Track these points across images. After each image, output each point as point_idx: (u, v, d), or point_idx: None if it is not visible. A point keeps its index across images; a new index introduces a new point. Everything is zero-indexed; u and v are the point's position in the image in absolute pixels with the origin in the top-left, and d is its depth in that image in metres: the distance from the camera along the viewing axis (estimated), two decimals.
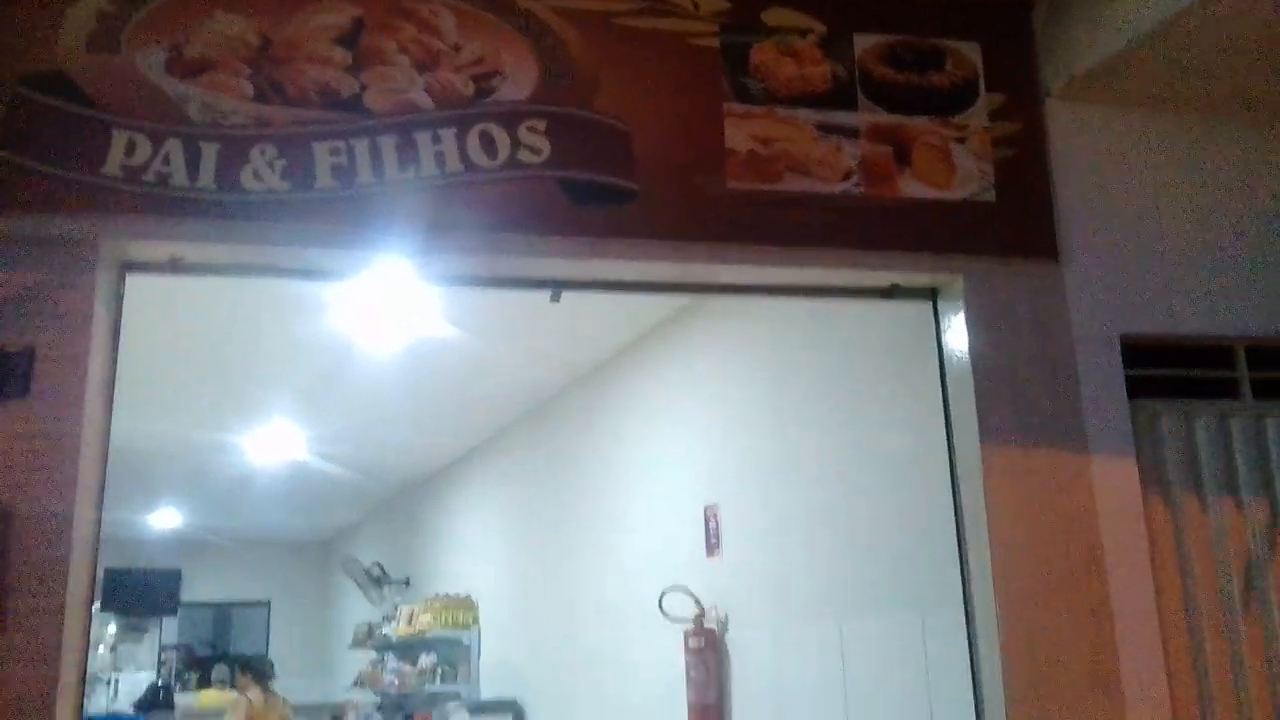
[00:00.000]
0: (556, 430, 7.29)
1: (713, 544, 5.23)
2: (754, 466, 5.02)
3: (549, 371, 6.84)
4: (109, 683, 10.52)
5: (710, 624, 5.10)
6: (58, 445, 2.59)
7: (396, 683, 9.22)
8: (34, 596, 2.57)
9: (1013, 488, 3.29)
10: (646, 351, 6.15)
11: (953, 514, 3.45)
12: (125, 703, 11.00)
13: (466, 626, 8.43)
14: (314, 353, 6.16)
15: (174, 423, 7.41)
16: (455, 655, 8.49)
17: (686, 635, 5.12)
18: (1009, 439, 3.31)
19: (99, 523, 2.72)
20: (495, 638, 8.19)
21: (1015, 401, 3.33)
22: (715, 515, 5.23)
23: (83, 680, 2.77)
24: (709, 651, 5.04)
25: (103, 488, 2.74)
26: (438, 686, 8.38)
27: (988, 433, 3.30)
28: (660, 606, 5.22)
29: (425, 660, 8.69)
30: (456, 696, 8.08)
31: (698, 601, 5.15)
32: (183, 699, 11.52)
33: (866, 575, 4.19)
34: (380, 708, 10.13)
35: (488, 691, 8.01)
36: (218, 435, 7.97)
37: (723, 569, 5.13)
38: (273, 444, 8.29)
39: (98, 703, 10.27)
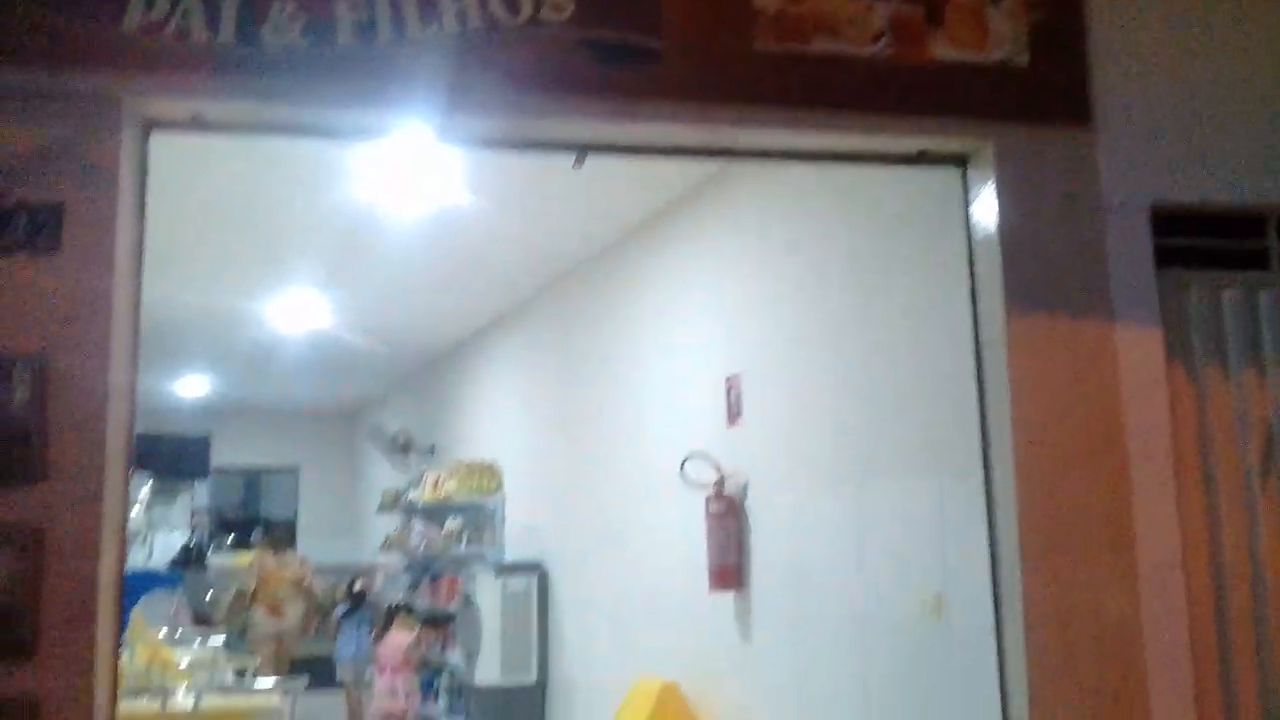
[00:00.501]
0: (579, 300, 7.32)
1: (734, 413, 5.29)
2: (776, 337, 5.04)
3: (572, 242, 6.83)
4: (144, 541, 10.88)
5: (730, 490, 5.20)
6: (90, 300, 2.62)
7: (424, 545, 9.50)
8: (73, 447, 2.64)
9: (1036, 356, 3.29)
10: (669, 222, 6.12)
11: (975, 383, 3.46)
12: (160, 561, 11.40)
13: (491, 492, 8.62)
14: (338, 221, 6.17)
15: (201, 290, 7.47)
16: (480, 519, 8.71)
17: (707, 501, 5.23)
18: (1034, 308, 3.29)
19: (134, 376, 2.78)
20: (519, 503, 8.38)
21: (1041, 270, 3.30)
22: (737, 385, 5.27)
23: (124, 528, 2.86)
24: (729, 516, 5.15)
25: (136, 342, 2.79)
26: (464, 549, 8.62)
27: (1013, 301, 3.28)
28: (681, 473, 5.32)
29: (451, 524, 8.93)
30: (482, 559, 8.31)
31: (718, 468, 5.24)
32: (215, 559, 11.94)
33: (886, 443, 4.24)
34: (408, 569, 10.46)
35: (512, 554, 8.24)
36: (244, 303, 8.05)
37: (743, 437, 5.21)
38: (298, 312, 8.37)
39: (133, 560, 10.63)
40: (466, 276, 7.60)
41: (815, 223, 4.80)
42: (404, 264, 7.10)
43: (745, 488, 5.17)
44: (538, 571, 7.65)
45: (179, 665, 5.05)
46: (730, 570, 5.13)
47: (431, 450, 10.59)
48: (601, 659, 6.70)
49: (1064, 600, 3.23)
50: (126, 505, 2.93)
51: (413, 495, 10.04)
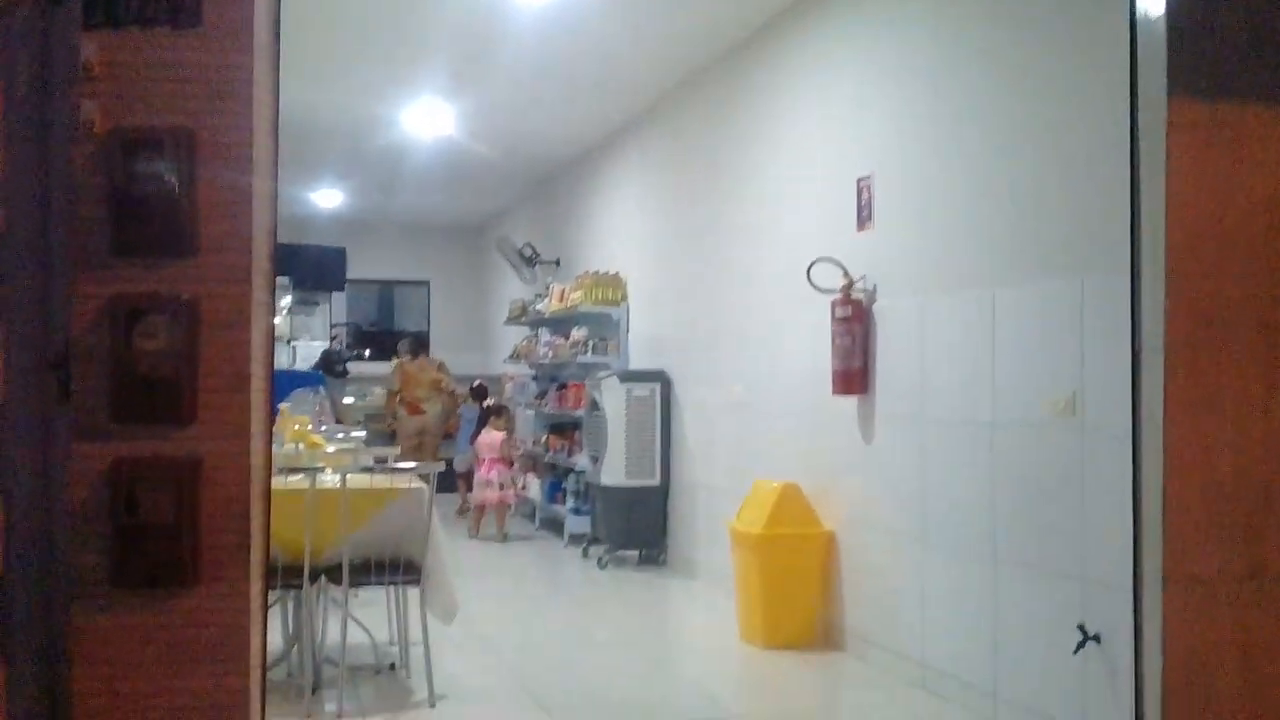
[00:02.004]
0: (706, 105, 7.15)
1: (864, 216, 5.17)
2: (911, 136, 4.85)
3: (700, 41, 6.62)
4: (288, 342, 11.46)
5: (858, 294, 5.13)
6: (232, 75, 2.65)
7: (550, 355, 9.73)
8: (222, 222, 2.72)
9: (1199, 144, 3.08)
10: (801, 18, 5.86)
11: (1128, 173, 3.28)
12: (303, 367, 11.97)
13: (615, 303, 8.71)
14: (467, 19, 6.10)
15: (335, 93, 7.54)
16: (605, 330, 8.84)
17: (833, 306, 5.18)
18: (1200, 91, 3.07)
19: (276, 152, 2.83)
20: (643, 313, 8.46)
21: (1211, 52, 3.06)
22: (868, 187, 5.13)
23: (272, 303, 2.98)
24: (855, 321, 5.10)
25: (277, 119, 2.83)
26: (589, 358, 8.79)
27: (1177, 84, 3.05)
28: (808, 277, 5.27)
29: (577, 334, 9.09)
30: (607, 367, 8.48)
31: (846, 272, 5.16)
32: (354, 367, 12.49)
33: (1024, 242, 4.10)
34: (535, 378, 10.76)
35: (636, 363, 8.38)
36: (375, 109, 8.12)
37: (873, 241, 5.10)
38: (426, 120, 8.41)
39: (279, 361, 11.23)
40: (592, 81, 7.48)
41: (955, 10, 4.53)
42: (530, 69, 7.02)
43: (873, 292, 5.09)
44: (660, 379, 7.78)
45: (326, 450, 5.34)
46: (854, 375, 5.12)
47: (557, 263, 10.71)
48: (722, 462, 6.84)
49: (1208, 403, 3.13)
50: (273, 281, 3.04)
51: (539, 306, 10.22)
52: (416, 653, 4.62)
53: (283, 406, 7.00)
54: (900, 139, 4.93)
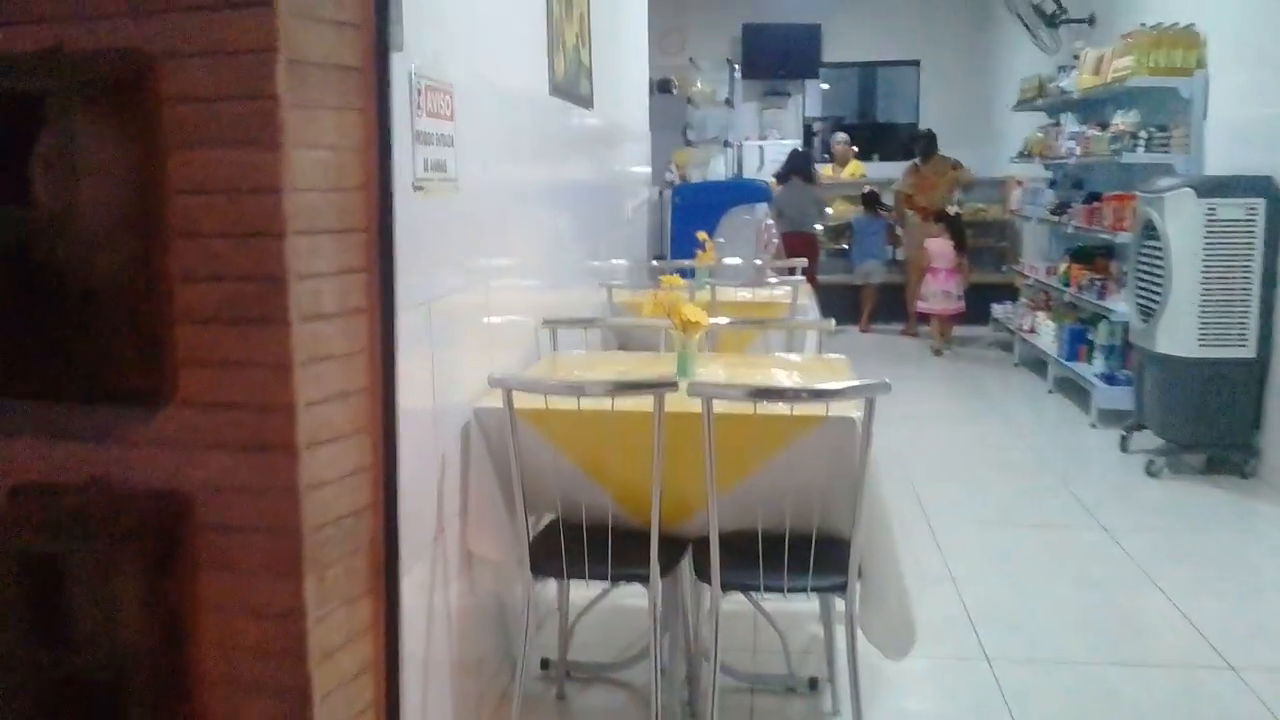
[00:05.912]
0: None
1: None
2: None
3: None
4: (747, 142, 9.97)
5: None
6: None
7: (1078, 150, 7.06)
8: None
9: None
10: None
11: None
12: (769, 172, 10.22)
13: (1187, 72, 5.84)
14: None
15: None
16: (1167, 114, 6.04)
17: None
18: None
19: None
20: (1236, 87, 5.53)
21: None
22: None
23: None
24: None
25: None
26: (1139, 156, 6.08)
27: None
28: None
29: (1120, 120, 6.36)
30: (1169, 171, 5.76)
31: None
32: (822, 170, 10.51)
33: None
34: (1052, 183, 8.13)
35: (1219, 167, 5.54)
36: None
37: None
38: None
39: (715, 171, 9.82)
40: None
41: None
42: None
43: None
44: (1267, 193, 4.98)
45: (704, 327, 3.31)
46: None
47: (1090, 20, 7.81)
48: None
49: None
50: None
51: (1064, 84, 7.50)
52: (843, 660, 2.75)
53: (704, 237, 5.24)
54: None
